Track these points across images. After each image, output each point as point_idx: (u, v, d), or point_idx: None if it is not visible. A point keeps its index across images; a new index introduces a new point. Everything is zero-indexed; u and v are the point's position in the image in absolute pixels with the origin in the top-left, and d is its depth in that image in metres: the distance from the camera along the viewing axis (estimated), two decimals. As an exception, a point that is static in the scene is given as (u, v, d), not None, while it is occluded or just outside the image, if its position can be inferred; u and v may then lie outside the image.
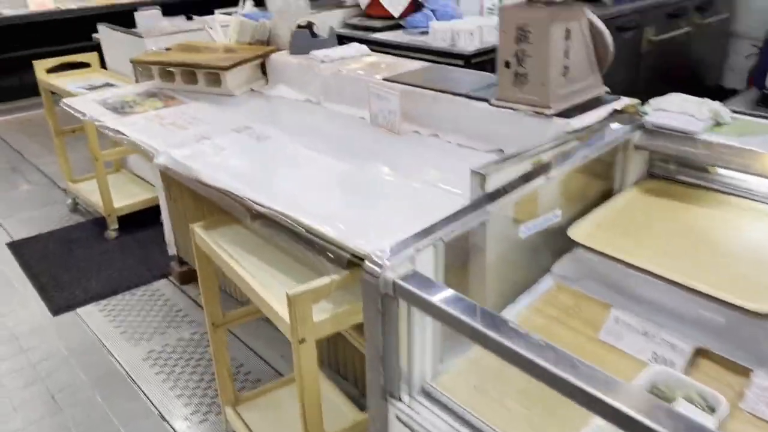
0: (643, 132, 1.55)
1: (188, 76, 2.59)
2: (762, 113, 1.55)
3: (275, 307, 1.42)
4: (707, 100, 1.54)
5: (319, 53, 2.46)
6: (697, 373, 1.13)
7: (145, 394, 2.32)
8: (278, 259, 1.63)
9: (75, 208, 3.85)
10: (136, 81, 2.77)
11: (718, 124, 1.50)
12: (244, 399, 2.05)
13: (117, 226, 3.45)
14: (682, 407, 0.99)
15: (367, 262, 1.04)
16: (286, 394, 2.07)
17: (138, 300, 2.91)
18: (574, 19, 1.66)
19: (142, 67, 2.72)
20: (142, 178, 3.81)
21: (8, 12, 5.36)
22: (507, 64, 1.70)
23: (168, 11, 3.64)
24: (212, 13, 3.54)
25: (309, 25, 2.60)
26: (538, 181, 1.29)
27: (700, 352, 1.16)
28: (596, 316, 1.28)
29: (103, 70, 3.76)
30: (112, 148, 3.48)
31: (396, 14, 3.37)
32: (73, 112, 2.46)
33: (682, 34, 3.80)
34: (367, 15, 3.53)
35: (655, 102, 1.58)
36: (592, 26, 1.72)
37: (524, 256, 1.37)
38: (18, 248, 3.40)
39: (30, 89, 4.57)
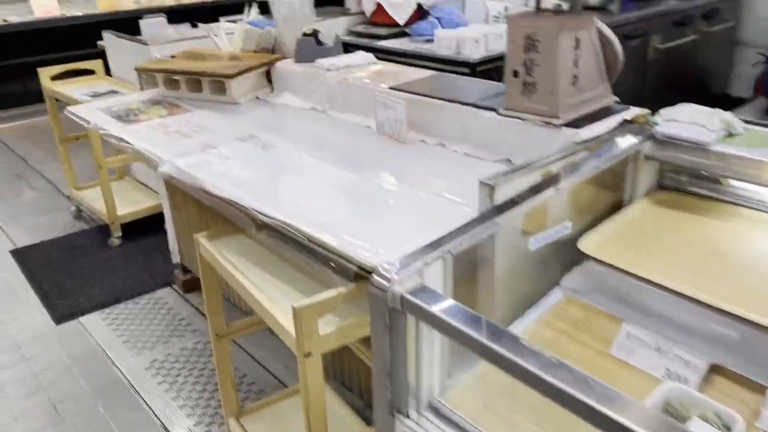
0: (653, 142, 1.53)
1: (193, 84, 2.58)
2: (773, 123, 1.53)
3: (281, 320, 1.40)
4: (719, 111, 1.52)
5: (324, 61, 2.45)
6: (711, 389, 1.11)
7: (147, 405, 2.31)
8: (283, 270, 1.62)
9: (79, 215, 3.84)
10: (141, 88, 2.76)
11: (730, 134, 1.48)
12: (247, 410, 2.03)
13: (120, 234, 3.45)
14: (698, 427, 0.97)
15: (374, 276, 1.02)
16: (290, 406, 2.05)
17: (141, 308, 2.89)
18: (583, 28, 1.64)
19: (146, 75, 2.71)
20: (146, 186, 3.80)
21: (14, 18, 5.38)
22: (515, 74, 1.68)
23: (173, 19, 3.64)
24: (217, 20, 3.54)
25: (314, 33, 2.59)
26: (548, 193, 1.27)
27: (714, 369, 1.14)
28: (606, 330, 1.26)
29: (107, 77, 3.76)
30: (116, 155, 3.48)
31: (401, 22, 3.37)
32: (77, 119, 2.45)
33: (689, 42, 3.79)
34: (372, 23, 3.53)
35: (666, 112, 1.56)
36: (601, 35, 1.70)
37: (533, 269, 1.35)
38: (21, 255, 3.40)
39: (34, 96, 4.59)
